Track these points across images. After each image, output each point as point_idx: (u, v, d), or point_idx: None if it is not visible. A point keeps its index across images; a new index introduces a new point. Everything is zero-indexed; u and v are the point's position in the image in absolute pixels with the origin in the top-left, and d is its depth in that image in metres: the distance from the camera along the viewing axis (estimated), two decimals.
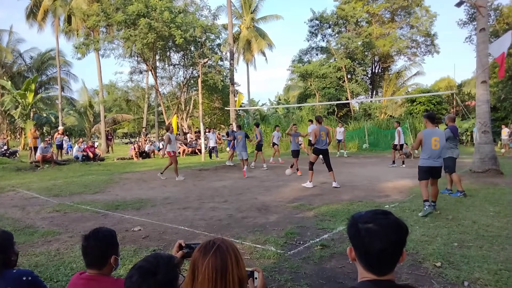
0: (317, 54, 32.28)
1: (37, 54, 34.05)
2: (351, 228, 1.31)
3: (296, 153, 11.61)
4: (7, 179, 11.40)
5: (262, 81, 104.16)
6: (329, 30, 30.78)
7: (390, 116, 28.49)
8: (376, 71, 32.69)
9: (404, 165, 12.70)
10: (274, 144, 15.59)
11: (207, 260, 1.26)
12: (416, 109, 25.17)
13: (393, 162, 13.28)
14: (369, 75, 32.44)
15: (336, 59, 28.44)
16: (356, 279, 1.33)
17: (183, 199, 7.71)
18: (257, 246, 4.37)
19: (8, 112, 29.32)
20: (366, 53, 29.35)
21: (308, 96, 29.72)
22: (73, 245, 4.57)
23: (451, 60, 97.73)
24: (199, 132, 21.38)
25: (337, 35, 30.09)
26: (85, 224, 5.65)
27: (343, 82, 28.26)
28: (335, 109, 27.48)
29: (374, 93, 33.70)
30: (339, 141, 18.44)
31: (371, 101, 29.17)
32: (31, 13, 28.17)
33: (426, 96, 24.15)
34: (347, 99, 27.24)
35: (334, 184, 8.66)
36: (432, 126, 6.04)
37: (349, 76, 28.88)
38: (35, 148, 16.82)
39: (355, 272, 3.41)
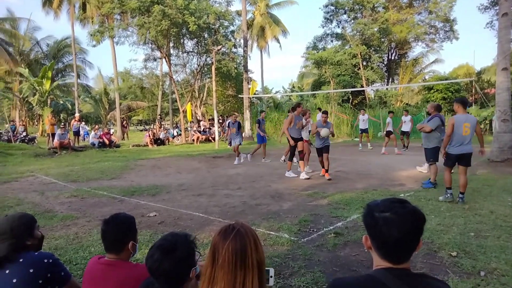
0: (332, 41, 31.79)
1: (53, 42, 34.43)
2: (367, 217, 1.30)
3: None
4: (26, 164, 11.70)
5: (276, 68, 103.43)
6: (345, 16, 30.18)
7: (407, 104, 28.00)
8: (393, 58, 32.03)
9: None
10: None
11: (227, 243, 1.29)
12: (433, 97, 24.65)
13: (406, 147, 14.37)
14: (385, 62, 31.82)
15: (352, 46, 27.93)
16: (370, 267, 1.34)
17: (197, 185, 7.79)
18: (271, 233, 4.40)
19: (26, 99, 29.91)
20: (382, 39, 28.75)
21: (323, 84, 29.39)
22: (91, 229, 4.68)
23: (470, 47, 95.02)
24: (213, 119, 21.45)
25: (352, 21, 29.50)
26: (102, 209, 5.78)
27: (358, 69, 27.82)
28: (350, 96, 27.11)
29: (390, 80, 33.10)
30: (363, 130, 16.02)
31: (387, 89, 28.67)
32: (47, 1, 28.42)
33: (444, 83, 23.60)
34: (362, 87, 26.84)
35: (301, 176, 8.43)
36: (464, 111, 5.82)
37: (364, 63, 28.38)
38: (53, 135, 17.20)
39: (369, 260, 3.42)
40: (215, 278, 1.29)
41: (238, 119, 12.84)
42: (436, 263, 3.49)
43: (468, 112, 6.50)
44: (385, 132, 14.46)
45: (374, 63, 28.67)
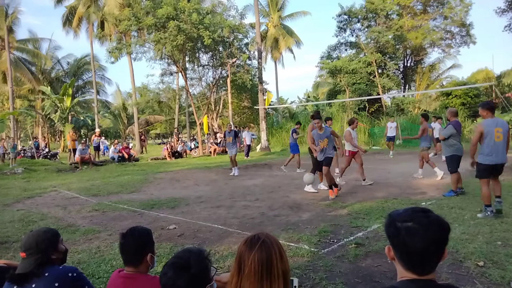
0: (346, 50, 31.69)
1: (73, 60, 35.53)
2: (390, 227, 1.28)
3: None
4: (49, 180, 11.99)
5: (291, 79, 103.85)
6: (358, 25, 30.11)
7: (425, 110, 27.55)
8: (409, 64, 31.67)
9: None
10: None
11: (253, 254, 1.31)
12: (452, 102, 24.18)
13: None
14: (401, 69, 31.49)
15: (366, 54, 27.79)
16: (393, 278, 1.31)
17: (215, 197, 7.82)
18: (291, 244, 4.37)
19: (48, 116, 30.82)
20: (397, 46, 28.51)
21: (338, 93, 29.26)
22: (112, 243, 4.74)
23: (489, 51, 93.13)
24: None
25: (366, 29, 29.40)
26: (122, 222, 5.85)
27: (373, 77, 27.61)
28: (366, 104, 26.87)
29: (407, 87, 32.69)
30: (391, 138, 15.59)
31: (403, 96, 28.32)
32: (67, 21, 29.43)
33: (462, 89, 23.16)
34: (378, 94, 26.60)
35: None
36: (492, 116, 5.26)
37: (380, 71, 28.16)
38: (74, 150, 17.60)
39: (392, 271, 3.36)
40: (241, 287, 1.30)
41: (252, 130, 12.84)
42: (462, 273, 3.39)
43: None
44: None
45: (389, 71, 28.42)
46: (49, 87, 27.44)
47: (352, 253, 3.98)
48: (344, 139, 8.57)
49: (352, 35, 30.84)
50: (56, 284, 1.96)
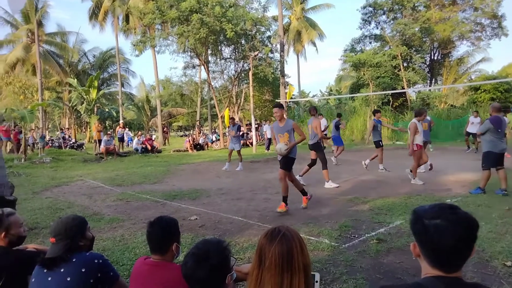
0: (370, 43, 31.05)
1: (99, 53, 36.31)
2: (416, 224, 1.25)
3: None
4: (76, 169, 12.37)
5: (313, 72, 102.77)
6: (384, 17, 29.41)
7: (451, 105, 26.75)
8: (435, 58, 30.72)
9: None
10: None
11: (274, 247, 1.31)
12: (480, 97, 23.39)
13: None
14: (427, 63, 30.60)
15: (391, 47, 27.15)
16: (417, 275, 1.30)
17: (236, 190, 7.87)
18: (311, 238, 4.36)
19: (75, 107, 31.72)
20: (424, 39, 27.70)
21: (361, 86, 28.76)
22: (135, 231, 4.86)
23: None
24: (250, 124, 21.62)
25: (392, 21, 28.68)
26: (146, 212, 5.98)
27: (398, 71, 26.96)
28: (390, 99, 26.31)
29: (433, 81, 31.78)
30: (471, 134, 14.21)
31: (429, 90, 27.55)
32: (93, 15, 30.09)
33: (492, 83, 22.31)
34: (403, 88, 25.98)
35: (326, 185, 7.93)
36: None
37: (405, 64, 27.47)
38: (99, 141, 18.09)
39: (414, 268, 3.30)
40: (262, 280, 1.31)
41: (270, 124, 12.74)
42: (488, 273, 3.29)
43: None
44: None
45: (415, 64, 27.67)
46: (75, 80, 28.18)
47: (373, 249, 3.93)
48: (409, 132, 8.00)
49: (377, 28, 30.18)
50: (83, 270, 2.03)
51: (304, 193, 6.07)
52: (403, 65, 26.96)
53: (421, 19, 26.40)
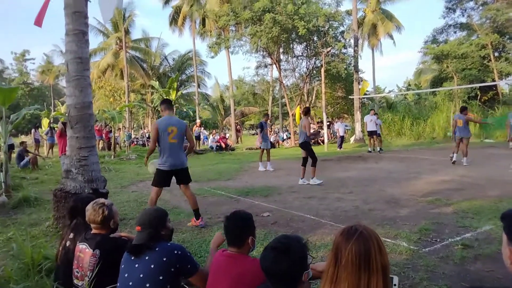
0: (455, 32, 28.57)
1: (177, 56, 38.59)
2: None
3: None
4: None
5: (389, 67, 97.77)
6: (471, 3, 26.80)
7: None
8: None
9: None
10: None
11: (350, 245, 1.29)
12: None
13: None
14: None
15: (480, 36, 24.72)
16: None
17: (307, 188, 7.83)
18: (387, 240, 4.17)
19: (156, 108, 34.08)
20: None
21: (444, 80, 26.65)
22: (211, 225, 5.09)
23: None
24: (322, 122, 21.29)
25: (481, 7, 26.07)
26: (221, 207, 6.23)
27: (488, 62, 24.44)
28: (478, 92, 23.98)
29: None
30: None
31: None
32: (173, 20, 32.05)
33: None
34: (494, 81, 23.49)
35: (311, 181, 8.25)
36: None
37: (496, 54, 24.81)
38: None
39: (509, 278, 2.97)
40: (338, 278, 1.30)
41: (345, 121, 12.29)
42: None
43: None
44: None
45: (509, 53, 24.84)
46: (157, 82, 30.24)
47: (458, 255, 3.64)
48: None
49: (463, 16, 27.65)
50: (164, 259, 2.19)
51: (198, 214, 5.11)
52: (493, 55, 24.38)
53: None
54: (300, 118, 6.95)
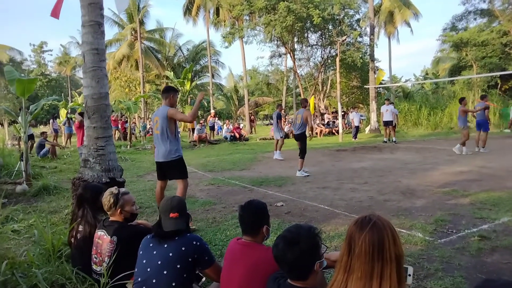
0: (475, 19, 27.66)
1: (192, 46, 38.61)
2: None
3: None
4: None
5: (406, 55, 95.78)
6: None
7: None
8: None
9: None
10: None
11: (364, 235, 1.30)
12: None
13: None
14: None
15: (502, 22, 23.93)
16: None
17: (321, 178, 7.81)
18: (402, 230, 4.14)
19: None
20: None
21: (463, 68, 25.99)
22: (226, 214, 5.14)
23: None
24: (336, 112, 21.09)
25: None
26: (235, 197, 6.28)
27: (510, 49, 23.69)
28: (499, 81, 23.32)
29: None
30: None
31: None
32: (187, 10, 32.00)
33: None
34: None
35: (297, 173, 8.21)
36: None
37: None
38: (193, 129, 19.36)
39: None
40: (351, 267, 1.31)
41: (361, 111, 12.27)
42: None
43: None
44: None
45: None
46: (172, 72, 30.41)
47: (474, 246, 3.59)
48: None
49: (484, 1, 26.75)
50: (183, 248, 2.24)
51: None
52: None
53: None
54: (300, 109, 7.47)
